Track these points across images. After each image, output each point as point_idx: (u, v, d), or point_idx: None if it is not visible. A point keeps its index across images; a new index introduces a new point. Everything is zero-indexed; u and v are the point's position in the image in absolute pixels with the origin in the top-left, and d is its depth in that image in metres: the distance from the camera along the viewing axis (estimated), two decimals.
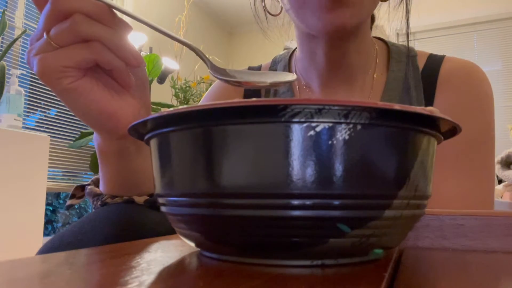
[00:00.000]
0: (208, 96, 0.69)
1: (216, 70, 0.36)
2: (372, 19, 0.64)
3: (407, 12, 0.60)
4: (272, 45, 0.70)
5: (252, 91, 0.66)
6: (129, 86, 0.38)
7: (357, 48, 0.58)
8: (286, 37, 0.69)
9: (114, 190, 0.44)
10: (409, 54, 0.62)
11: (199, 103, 0.72)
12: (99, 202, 0.44)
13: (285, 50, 0.70)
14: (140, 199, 0.44)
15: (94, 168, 2.64)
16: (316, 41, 0.57)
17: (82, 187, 0.48)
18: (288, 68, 0.66)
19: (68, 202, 0.47)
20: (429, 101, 0.57)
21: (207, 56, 0.37)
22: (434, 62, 0.60)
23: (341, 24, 0.50)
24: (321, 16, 0.50)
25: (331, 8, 0.49)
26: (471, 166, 0.53)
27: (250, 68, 0.69)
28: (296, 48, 0.66)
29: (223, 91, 0.67)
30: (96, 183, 0.47)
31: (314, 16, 0.51)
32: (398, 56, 0.62)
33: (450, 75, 0.58)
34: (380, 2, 0.59)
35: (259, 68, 0.69)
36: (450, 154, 0.53)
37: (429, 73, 0.59)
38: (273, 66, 0.68)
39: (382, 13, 0.64)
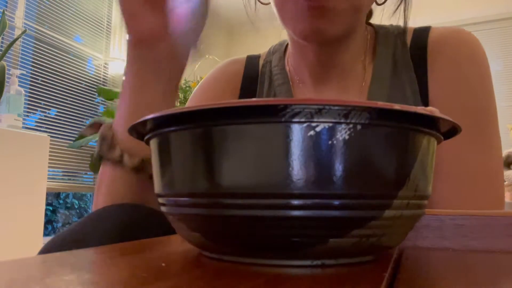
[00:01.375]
0: (198, 94, 0.67)
1: None
2: (370, 13, 0.63)
3: (405, 22, 0.59)
4: (272, 45, 0.70)
5: (249, 91, 0.65)
6: None
7: (348, 46, 0.57)
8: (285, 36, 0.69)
9: (129, 121, 0.44)
10: (396, 32, 0.59)
11: (188, 102, 0.70)
12: (104, 147, 0.44)
13: (279, 41, 0.69)
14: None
15: (94, 168, 2.64)
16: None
17: (99, 124, 0.47)
18: (283, 60, 0.65)
19: (82, 131, 0.47)
20: (422, 78, 0.55)
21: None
22: (421, 34, 0.58)
23: (318, 33, 0.49)
24: (297, 23, 0.49)
25: (307, 16, 0.48)
26: (477, 139, 0.51)
27: (249, 57, 0.69)
28: None
29: (216, 91, 0.66)
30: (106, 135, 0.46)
31: (292, 22, 0.50)
32: (385, 39, 0.60)
33: (439, 45, 0.55)
34: (374, 6, 0.58)
35: (258, 57, 0.68)
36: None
37: (418, 47, 0.57)
38: (268, 57, 0.67)
39: (377, 16, 0.62)
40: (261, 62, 0.67)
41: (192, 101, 0.67)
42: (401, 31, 0.60)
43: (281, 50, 0.67)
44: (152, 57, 0.44)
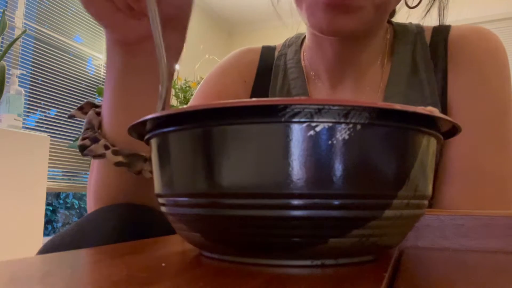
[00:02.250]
0: (212, 80, 0.64)
1: None
2: (393, 12, 0.61)
3: (440, 21, 0.58)
4: (288, 38, 0.69)
5: (263, 82, 0.63)
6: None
7: (368, 45, 0.56)
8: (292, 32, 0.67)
9: (113, 107, 0.40)
10: (416, 31, 0.58)
11: (200, 85, 0.67)
12: (90, 135, 0.40)
13: (296, 34, 0.68)
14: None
15: None
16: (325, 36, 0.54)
17: (94, 106, 0.44)
18: (299, 53, 0.64)
19: (72, 112, 0.43)
20: (441, 77, 0.54)
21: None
22: (441, 33, 0.57)
23: (336, 28, 0.48)
24: (314, 16, 0.49)
25: (324, 11, 0.47)
26: (494, 141, 0.51)
27: (264, 48, 0.68)
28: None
29: (230, 78, 0.64)
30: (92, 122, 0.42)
31: (308, 14, 0.49)
32: (404, 36, 0.59)
33: (460, 44, 0.54)
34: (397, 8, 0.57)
35: (273, 48, 0.67)
36: (473, 130, 0.51)
37: (438, 46, 0.56)
38: (283, 50, 0.66)
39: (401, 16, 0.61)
40: (276, 54, 0.66)
41: (205, 87, 0.65)
42: (420, 30, 0.59)
43: (297, 43, 0.65)
44: (139, 60, 0.39)
